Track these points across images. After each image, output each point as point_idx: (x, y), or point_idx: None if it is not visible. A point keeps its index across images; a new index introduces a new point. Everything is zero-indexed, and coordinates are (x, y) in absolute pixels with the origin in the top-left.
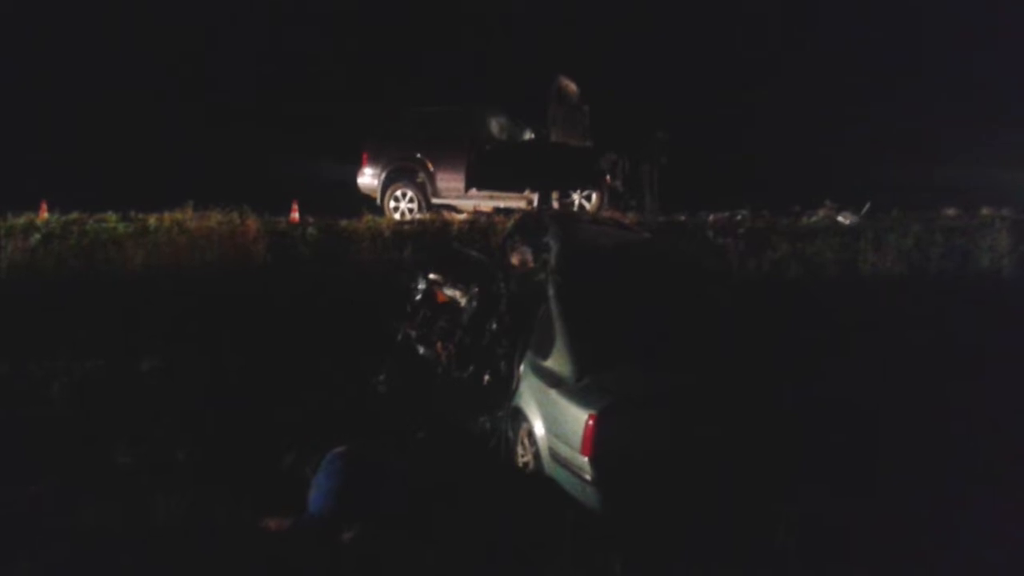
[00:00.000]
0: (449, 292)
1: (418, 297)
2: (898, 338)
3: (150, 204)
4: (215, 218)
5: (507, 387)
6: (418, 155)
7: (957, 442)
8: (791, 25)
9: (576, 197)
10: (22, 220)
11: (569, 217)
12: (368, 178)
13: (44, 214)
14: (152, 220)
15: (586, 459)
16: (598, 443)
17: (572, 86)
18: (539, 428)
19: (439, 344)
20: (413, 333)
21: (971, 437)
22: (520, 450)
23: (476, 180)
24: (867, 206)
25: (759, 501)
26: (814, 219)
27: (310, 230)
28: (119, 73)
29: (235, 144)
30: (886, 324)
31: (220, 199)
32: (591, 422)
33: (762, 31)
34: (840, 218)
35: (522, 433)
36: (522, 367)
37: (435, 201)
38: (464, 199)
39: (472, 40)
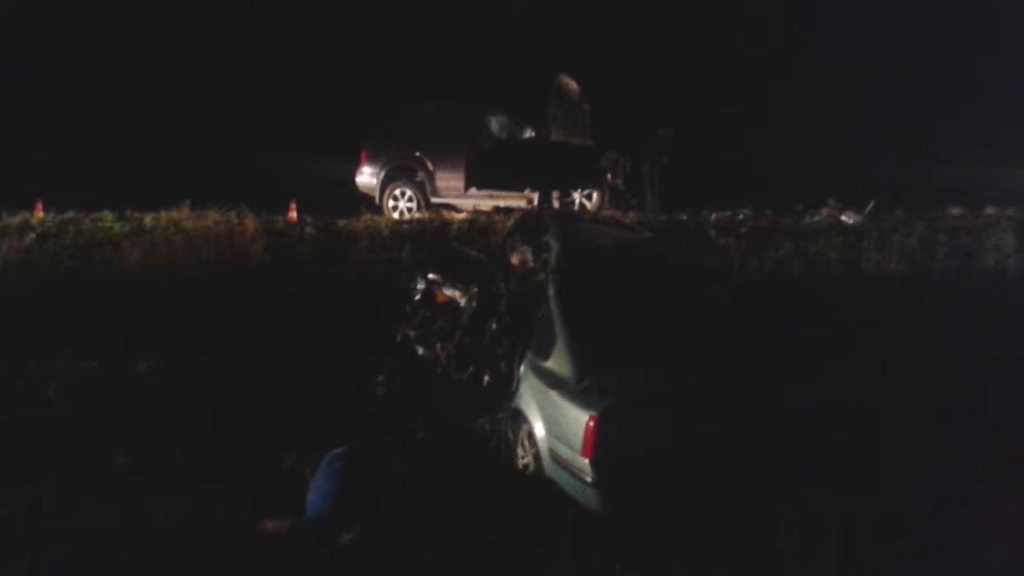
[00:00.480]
0: (448, 292)
1: (417, 297)
2: (900, 338)
3: (150, 204)
4: (212, 217)
5: (507, 388)
6: (417, 154)
7: (958, 442)
8: (791, 25)
9: (577, 196)
10: (17, 219)
11: (570, 216)
12: (367, 177)
13: (39, 213)
14: (148, 219)
15: (587, 461)
16: (599, 445)
17: (573, 84)
18: (539, 429)
19: (438, 345)
20: (412, 333)
21: (972, 437)
22: (520, 452)
23: (476, 179)
24: (871, 205)
25: (759, 501)
26: (817, 218)
27: (308, 229)
28: (119, 73)
29: (235, 144)
30: (889, 324)
31: (220, 199)
32: (592, 424)
33: (762, 31)
34: (844, 217)
35: (522, 435)
36: (522, 368)
37: (434, 200)
38: (464, 198)
39: (472, 40)
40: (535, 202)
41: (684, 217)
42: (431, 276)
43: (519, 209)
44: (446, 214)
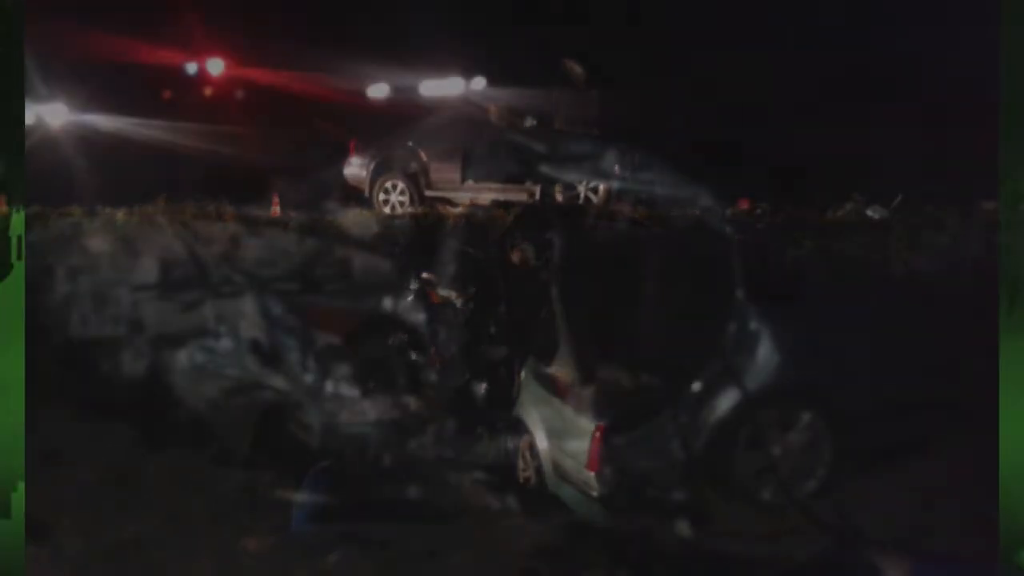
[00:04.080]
0: (444, 293)
1: (410, 298)
2: (913, 338)
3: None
4: (188, 211)
5: (507, 396)
6: (410, 143)
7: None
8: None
9: (582, 189)
10: None
11: (574, 211)
12: (355, 168)
13: (3, 207)
14: (120, 215)
15: (593, 474)
16: (606, 456)
17: (578, 68)
18: (541, 440)
19: (433, 349)
20: (405, 336)
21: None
22: (521, 464)
23: (474, 171)
24: (898, 199)
25: (764, 501)
26: (840, 213)
27: (291, 225)
28: None
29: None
30: (904, 324)
31: (219, 197)
32: (599, 434)
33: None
34: (869, 212)
35: (523, 446)
36: (523, 374)
37: (429, 194)
38: (460, 191)
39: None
40: (537, 196)
41: (697, 212)
42: (425, 275)
43: (520, 203)
44: (441, 208)
